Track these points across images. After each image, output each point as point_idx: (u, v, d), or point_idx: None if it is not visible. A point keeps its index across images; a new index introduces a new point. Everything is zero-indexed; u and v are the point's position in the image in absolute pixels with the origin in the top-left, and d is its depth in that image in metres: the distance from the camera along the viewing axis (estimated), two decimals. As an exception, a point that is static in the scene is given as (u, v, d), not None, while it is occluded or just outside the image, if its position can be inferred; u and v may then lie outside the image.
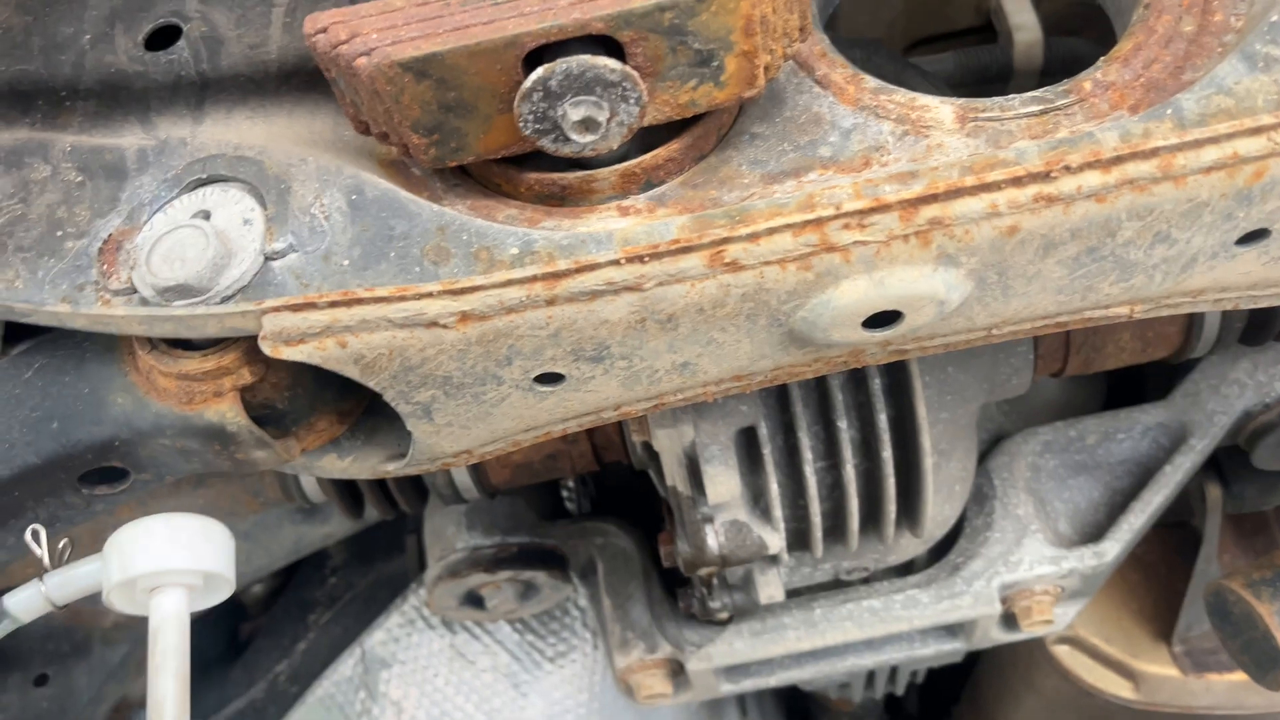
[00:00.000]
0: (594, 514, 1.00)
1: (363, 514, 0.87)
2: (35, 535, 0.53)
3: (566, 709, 1.06)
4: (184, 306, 0.47)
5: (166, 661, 0.44)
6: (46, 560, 0.53)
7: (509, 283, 0.46)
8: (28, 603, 0.50)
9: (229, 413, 0.50)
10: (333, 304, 0.46)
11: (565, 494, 1.18)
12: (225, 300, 0.47)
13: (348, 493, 0.84)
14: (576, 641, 1.07)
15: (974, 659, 1.55)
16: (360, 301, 0.46)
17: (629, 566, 0.94)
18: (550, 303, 0.46)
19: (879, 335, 0.50)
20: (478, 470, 0.81)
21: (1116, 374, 1.07)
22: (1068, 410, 0.97)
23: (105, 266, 0.51)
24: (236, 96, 0.57)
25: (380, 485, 0.83)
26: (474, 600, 0.96)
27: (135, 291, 0.49)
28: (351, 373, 0.48)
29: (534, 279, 0.46)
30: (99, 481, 0.54)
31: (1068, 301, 0.52)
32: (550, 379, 0.51)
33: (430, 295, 0.46)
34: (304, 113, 0.57)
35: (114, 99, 0.58)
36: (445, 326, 0.46)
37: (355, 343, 0.47)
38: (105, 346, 0.53)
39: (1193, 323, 0.77)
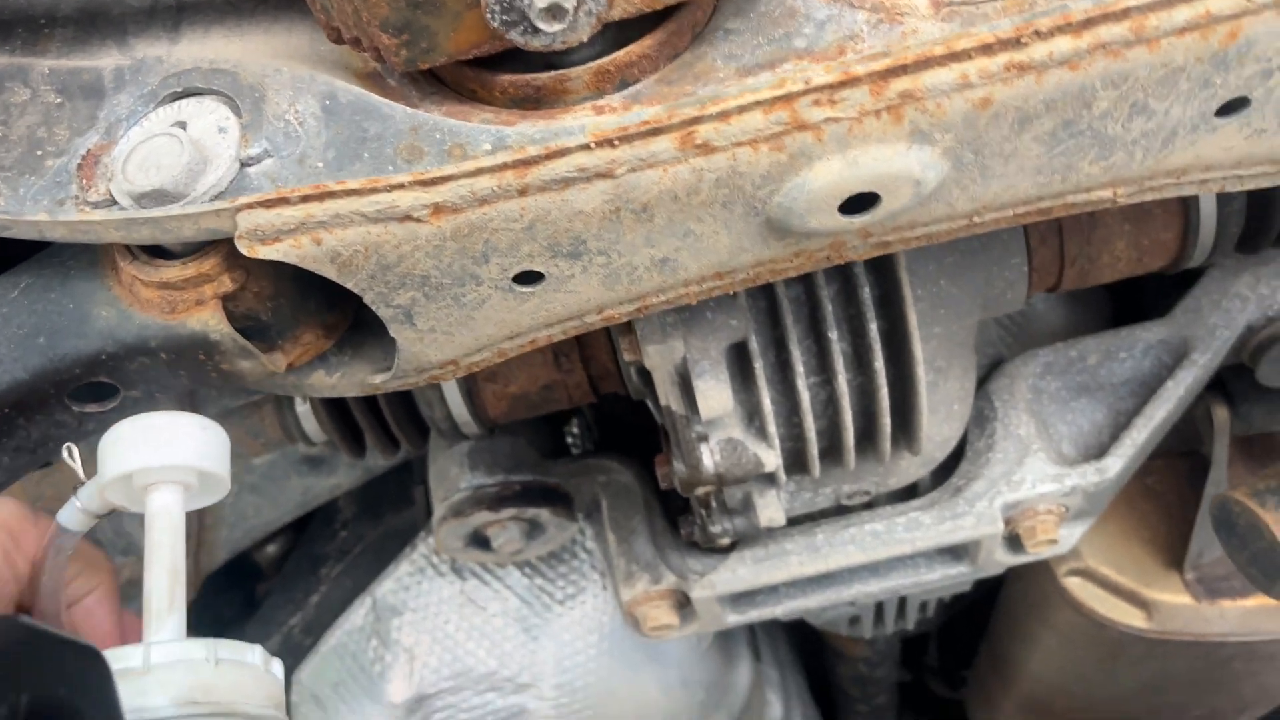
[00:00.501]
0: (596, 452, 1.00)
1: (364, 453, 0.87)
2: (70, 452, 0.54)
3: (577, 650, 1.06)
4: (160, 210, 0.47)
5: (160, 555, 0.44)
6: (80, 473, 0.54)
7: (479, 171, 0.46)
8: (72, 517, 0.51)
9: (211, 320, 0.51)
10: (305, 198, 0.46)
11: (570, 440, 1.18)
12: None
13: (348, 430, 0.84)
14: (585, 584, 1.07)
15: (989, 609, 1.55)
16: (332, 195, 0.46)
17: (631, 501, 0.94)
18: (522, 192, 0.46)
19: (857, 221, 0.50)
20: (474, 402, 0.82)
21: (1119, 300, 1.07)
22: (1071, 336, 0.96)
23: (84, 181, 0.51)
24: (213, 16, 0.57)
25: (379, 422, 0.83)
26: (480, 541, 0.96)
27: (114, 203, 0.49)
28: (329, 272, 0.48)
29: (505, 167, 0.46)
30: (89, 399, 0.55)
31: (1048, 183, 0.51)
32: (529, 278, 0.51)
33: (402, 187, 0.46)
34: (280, 29, 0.57)
35: (91, 24, 0.58)
36: (419, 220, 0.47)
37: (330, 239, 0.47)
38: (89, 262, 0.54)
39: (1188, 228, 0.76)
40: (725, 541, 0.84)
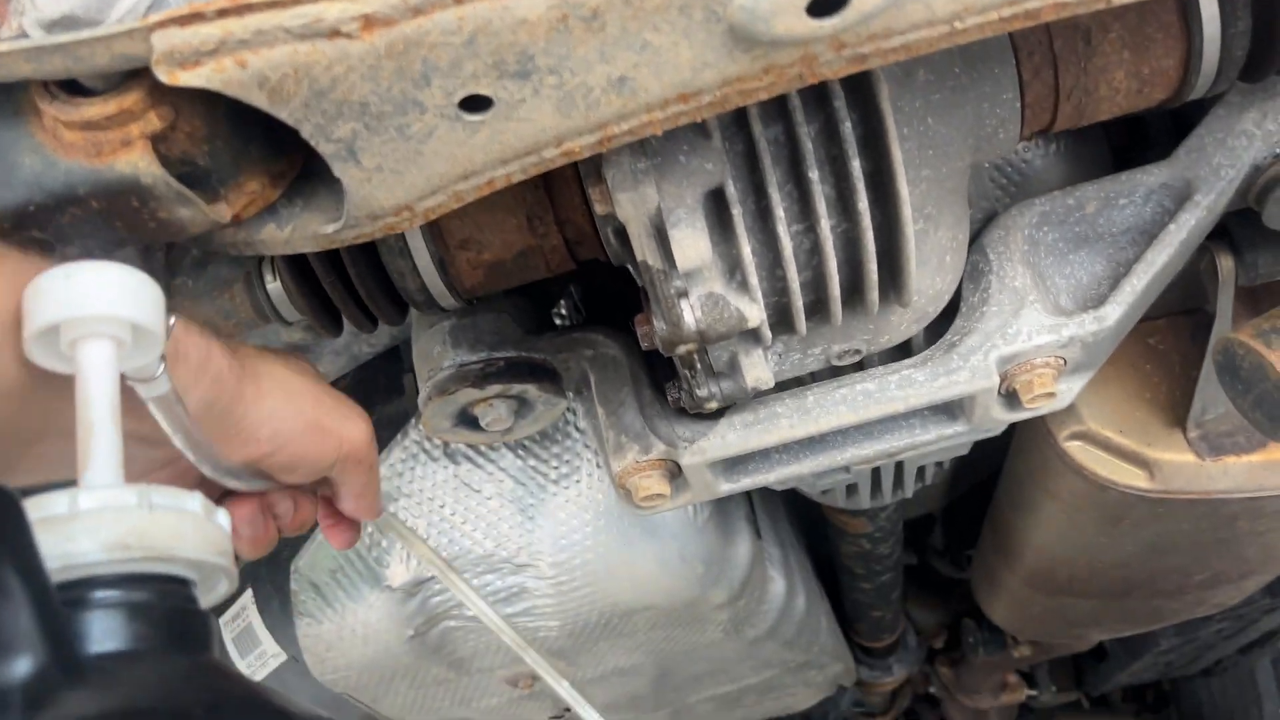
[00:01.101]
0: (582, 325, 0.98)
1: (341, 330, 0.85)
2: None
3: (574, 528, 1.06)
4: (69, 35, 0.43)
5: (93, 405, 0.42)
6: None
7: (410, -25, 0.42)
8: (151, 386, 0.48)
9: (140, 162, 0.48)
10: (222, 12, 0.42)
11: (559, 322, 1.16)
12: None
13: (322, 307, 0.82)
14: (579, 463, 1.06)
15: (992, 490, 1.54)
16: (251, 8, 0.42)
17: (619, 373, 0.92)
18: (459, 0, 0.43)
19: (827, 24, 0.46)
20: (447, 273, 0.79)
21: (1119, 159, 1.03)
22: (1070, 191, 0.93)
23: (-3, 18, 0.47)
24: None
25: (353, 297, 0.81)
26: (468, 421, 0.94)
27: (26, 36, 0.46)
28: (259, 100, 0.45)
29: (436, -31, 0.42)
30: (25, 257, 0.52)
31: (1034, -23, 0.47)
32: (477, 104, 0.48)
33: (326, -4, 0.42)
34: None
35: None
36: (349, 36, 0.43)
37: (255, 61, 0.43)
38: (12, 112, 0.50)
39: (1191, 53, 0.72)
40: (713, 406, 0.82)
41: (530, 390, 0.91)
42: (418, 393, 0.99)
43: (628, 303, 1.00)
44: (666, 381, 0.89)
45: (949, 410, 0.88)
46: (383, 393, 1.19)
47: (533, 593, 1.09)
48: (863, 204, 0.66)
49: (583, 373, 0.96)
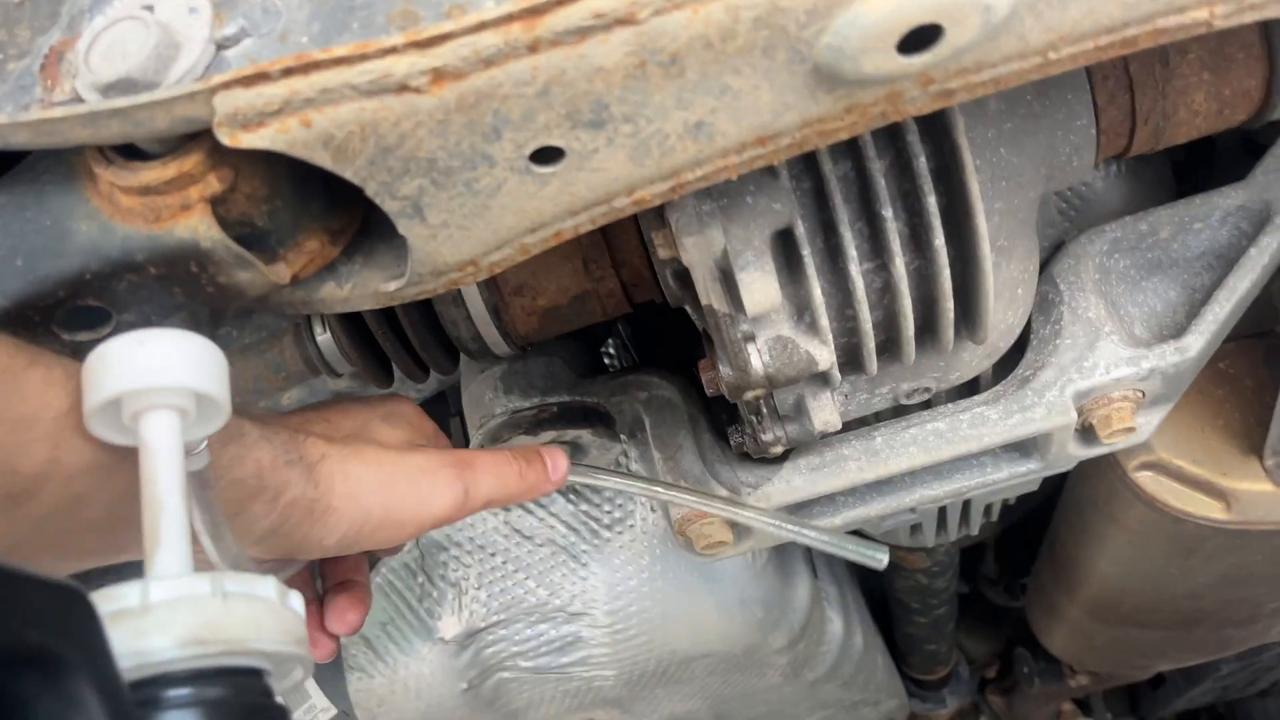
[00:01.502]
0: (635, 368, 0.95)
1: (391, 381, 0.83)
2: None
3: (629, 575, 1.03)
4: (126, 100, 0.42)
5: (158, 485, 0.40)
6: None
7: (482, 26, 0.40)
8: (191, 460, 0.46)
9: (200, 227, 0.46)
10: (287, 71, 0.40)
11: (608, 360, 1.13)
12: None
13: (372, 358, 0.80)
14: (632, 507, 1.03)
15: (1045, 517, 1.50)
16: (318, 66, 0.40)
17: (675, 416, 0.89)
18: (532, 48, 0.40)
19: (917, 62, 0.44)
20: (501, 320, 0.77)
21: (1182, 177, 0.99)
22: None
23: (49, 82, 0.46)
24: (178, -104, 0.52)
25: (405, 347, 0.79)
26: (520, 468, 0.92)
27: (80, 99, 0.44)
28: (324, 160, 0.43)
29: (510, 18, 0.40)
30: (80, 326, 0.50)
31: (1136, 4, 0.45)
32: (548, 155, 0.45)
33: (395, 50, 0.40)
34: (253, -97, 0.51)
35: (47, -86, 0.52)
36: (418, 90, 0.41)
37: (320, 120, 0.41)
38: (65, 175, 0.49)
39: (1274, 72, 0.69)
40: (778, 450, 0.79)
41: (584, 436, 0.89)
42: (465, 435, 0.97)
43: (681, 341, 0.98)
44: (725, 422, 0.86)
45: (1022, 448, 0.85)
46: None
47: (588, 642, 1.06)
48: (939, 240, 0.63)
49: (636, 416, 0.93)
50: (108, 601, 0.35)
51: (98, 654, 0.31)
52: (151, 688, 0.35)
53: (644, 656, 1.07)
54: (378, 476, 0.55)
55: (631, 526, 1.03)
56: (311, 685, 1.13)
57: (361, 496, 0.54)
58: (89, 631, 0.31)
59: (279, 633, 0.37)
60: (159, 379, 0.40)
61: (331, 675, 1.13)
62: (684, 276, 0.70)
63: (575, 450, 0.91)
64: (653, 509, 1.03)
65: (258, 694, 0.37)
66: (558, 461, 0.69)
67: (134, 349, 0.41)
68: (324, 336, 0.79)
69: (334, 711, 1.15)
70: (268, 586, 0.38)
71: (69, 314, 0.49)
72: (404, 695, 1.07)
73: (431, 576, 1.05)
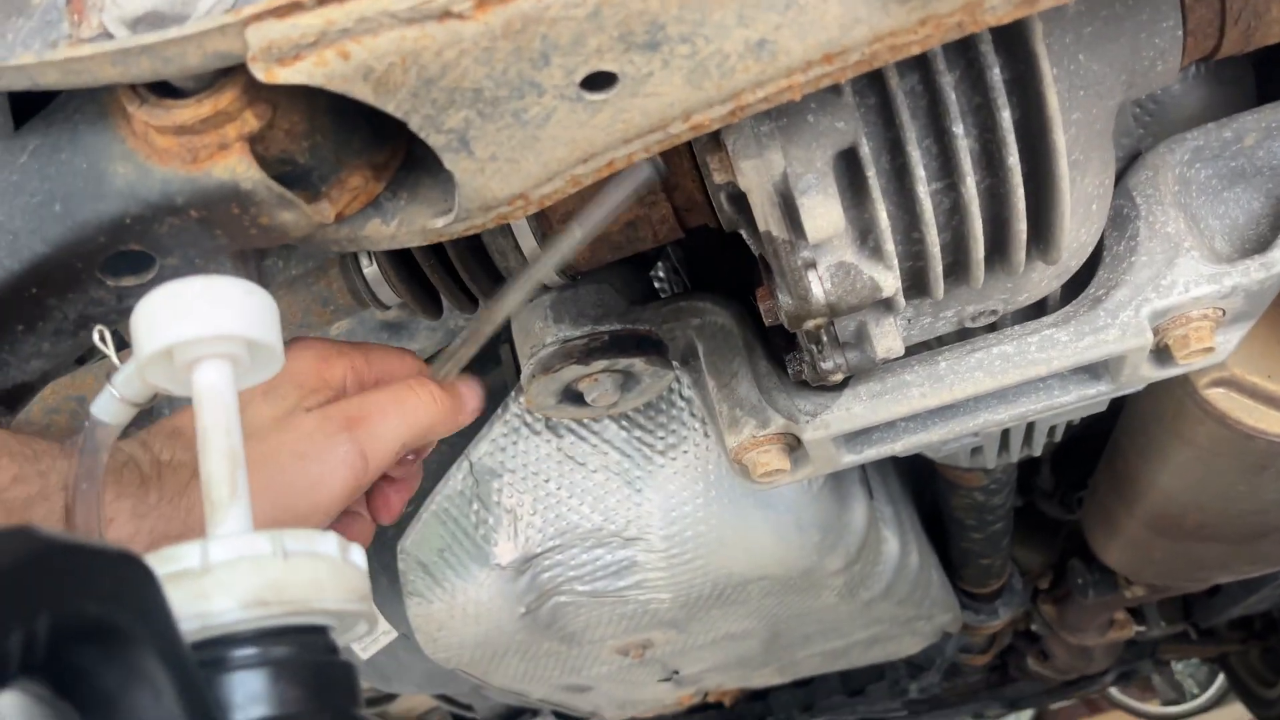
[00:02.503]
0: (688, 293, 0.92)
1: (441, 313, 0.81)
2: (102, 335, 0.49)
3: (684, 500, 1.02)
4: (156, 35, 0.39)
5: (214, 439, 0.38)
6: (114, 358, 0.49)
7: (528, -56, 0.37)
8: (108, 407, 0.46)
9: (239, 166, 0.44)
10: (322, 1, 0.38)
11: (659, 285, 1.11)
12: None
13: (420, 289, 0.78)
14: (686, 432, 1.02)
15: (1108, 428, 1.46)
16: (353, -7, 0.37)
17: (730, 343, 0.87)
18: (583, -33, 0.37)
19: (1002, -33, 0.40)
20: (552, 248, 0.74)
21: (1264, 81, 0.93)
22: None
23: (75, 16, 0.44)
24: None
25: (452, 277, 0.77)
26: (573, 397, 0.90)
27: (108, 35, 0.42)
28: (364, 93, 0.40)
29: (558, -66, 0.37)
30: (124, 271, 0.49)
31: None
32: (600, 81, 0.43)
33: (435, -26, 0.37)
34: None
35: None
36: (461, 16, 0.38)
37: (359, 51, 0.39)
38: (97, 115, 0.47)
39: (1384, -38, 0.63)
40: (838, 378, 0.76)
41: (636, 364, 0.87)
42: (515, 364, 0.96)
43: (736, 265, 0.95)
44: (782, 348, 0.83)
45: (1092, 370, 0.82)
46: (480, 365, 1.16)
47: (643, 566, 1.06)
48: (1012, 158, 0.60)
49: (689, 342, 0.91)
50: (166, 563, 0.34)
51: (159, 621, 0.30)
52: (215, 648, 0.34)
53: (699, 580, 1.07)
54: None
55: (685, 452, 1.02)
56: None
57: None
58: (149, 599, 0.30)
59: (342, 590, 0.36)
60: (211, 328, 0.39)
61: (391, 599, 1.15)
62: (740, 201, 0.67)
63: (627, 379, 0.89)
64: (707, 434, 1.02)
65: (323, 651, 0.36)
66: (470, 391, 0.66)
67: (182, 297, 0.39)
68: (370, 269, 0.77)
69: (394, 634, 1.17)
70: (329, 543, 0.37)
71: (112, 260, 0.48)
72: (462, 620, 1.08)
73: (487, 503, 1.05)
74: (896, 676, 2.46)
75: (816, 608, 1.23)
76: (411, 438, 0.59)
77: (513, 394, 1.08)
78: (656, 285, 1.05)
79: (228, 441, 0.39)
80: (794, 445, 0.84)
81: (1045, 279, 0.74)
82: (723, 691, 1.97)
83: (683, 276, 1.05)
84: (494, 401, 1.11)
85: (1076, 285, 0.80)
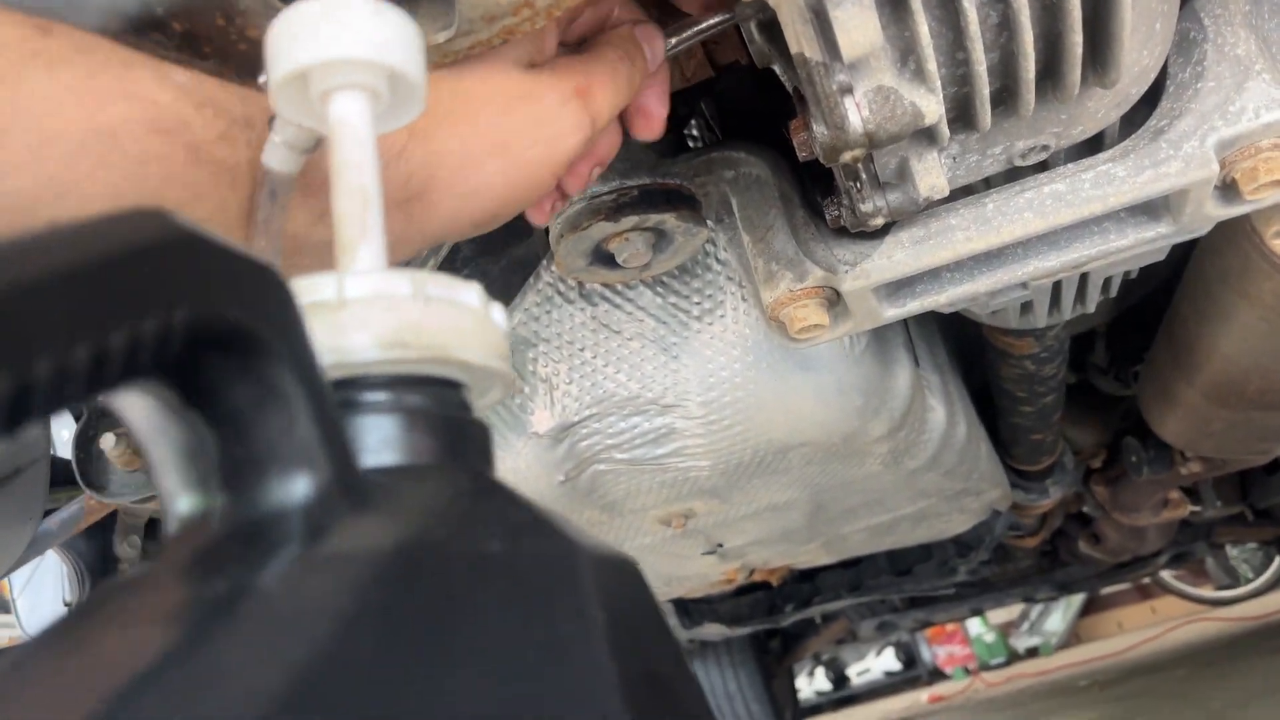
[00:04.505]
0: (719, 144, 0.88)
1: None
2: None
3: (721, 365, 1.00)
4: None
5: (349, 173, 0.35)
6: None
7: None
8: (277, 155, 0.42)
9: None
10: None
11: (691, 142, 1.07)
12: None
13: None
14: (722, 297, 0.99)
15: (1166, 298, 1.41)
16: None
17: (765, 194, 0.83)
18: None
19: None
20: (574, 90, 0.70)
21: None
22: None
23: None
24: None
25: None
26: (604, 258, 0.88)
27: None
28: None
29: None
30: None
31: None
32: None
33: None
34: None
35: None
36: None
37: None
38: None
39: None
40: (878, 222, 0.72)
41: (668, 220, 0.84)
42: (547, 233, 0.93)
43: (769, 115, 0.90)
44: (819, 197, 0.79)
45: (1151, 209, 0.77)
46: (511, 234, 1.13)
47: (682, 433, 1.04)
48: (1067, -40, 0.54)
49: (723, 197, 0.87)
50: (304, 292, 0.30)
51: (298, 343, 0.26)
52: (347, 389, 0.30)
53: (739, 447, 1.05)
54: (489, 112, 0.49)
55: (722, 317, 0.99)
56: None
57: (471, 139, 0.48)
58: (289, 318, 0.26)
59: (482, 344, 0.33)
60: (352, 50, 0.35)
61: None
62: (771, 28, 0.62)
63: (659, 238, 0.86)
64: (744, 298, 0.99)
65: (458, 407, 0.33)
66: (655, 45, 0.62)
67: (327, 14, 0.35)
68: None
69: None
70: (471, 293, 0.33)
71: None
72: (502, 489, 1.08)
73: (522, 373, 1.04)
74: (945, 556, 2.45)
75: (860, 477, 1.21)
76: (612, 113, 0.59)
77: (544, 262, 1.06)
78: (691, 143, 1.01)
79: (360, 179, 0.35)
80: (833, 300, 0.81)
81: (1103, 109, 0.69)
82: (770, 570, 1.98)
83: (715, 133, 1.00)
84: (525, 272, 1.09)
85: (1134, 123, 0.74)
